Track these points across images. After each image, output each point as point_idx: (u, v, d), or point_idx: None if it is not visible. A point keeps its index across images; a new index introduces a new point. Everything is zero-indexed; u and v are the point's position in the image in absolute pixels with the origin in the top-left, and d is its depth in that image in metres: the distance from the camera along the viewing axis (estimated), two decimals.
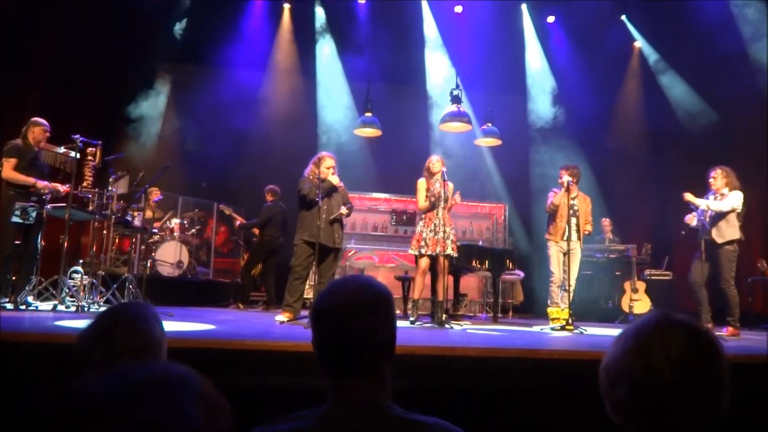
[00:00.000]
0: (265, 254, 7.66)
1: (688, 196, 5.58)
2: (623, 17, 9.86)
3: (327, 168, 5.32)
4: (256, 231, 7.94)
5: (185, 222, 8.40)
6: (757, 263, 7.91)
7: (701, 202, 5.50)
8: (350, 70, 9.70)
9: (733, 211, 5.50)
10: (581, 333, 5.29)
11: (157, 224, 7.57)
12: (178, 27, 9.09)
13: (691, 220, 5.69)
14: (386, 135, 8.46)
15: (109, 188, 5.55)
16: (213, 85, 8.75)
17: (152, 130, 8.65)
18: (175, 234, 7.98)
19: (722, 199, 5.54)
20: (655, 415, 1.09)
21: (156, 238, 7.57)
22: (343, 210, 5.33)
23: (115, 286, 5.47)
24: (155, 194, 7.46)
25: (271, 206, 7.54)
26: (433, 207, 5.61)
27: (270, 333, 3.94)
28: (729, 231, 5.50)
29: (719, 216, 5.51)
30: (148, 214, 6.80)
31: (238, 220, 8.46)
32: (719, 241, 5.48)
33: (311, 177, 5.29)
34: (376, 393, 1.24)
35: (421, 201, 5.70)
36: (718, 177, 5.63)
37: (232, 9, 9.12)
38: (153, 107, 8.85)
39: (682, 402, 1.07)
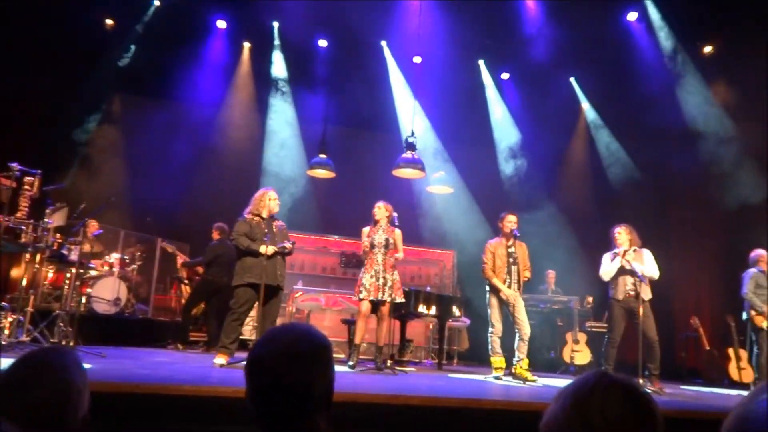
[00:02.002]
0: (207, 294, 7.43)
1: (628, 256, 5.72)
2: (572, 79, 10.37)
3: (273, 200, 5.30)
4: (200, 269, 7.72)
5: (126, 257, 8.11)
6: (690, 320, 8.20)
7: (637, 267, 5.67)
8: (307, 111, 9.77)
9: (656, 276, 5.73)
10: (535, 383, 5.36)
11: (95, 260, 7.27)
12: (127, 56, 8.96)
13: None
14: (340, 178, 8.49)
15: (45, 219, 5.31)
16: (164, 118, 8.62)
17: (97, 162, 8.40)
18: (115, 269, 7.67)
19: (636, 256, 5.73)
20: None
21: (93, 273, 7.26)
22: (287, 244, 5.24)
23: (44, 323, 5.17)
24: (93, 228, 7.18)
25: (217, 245, 7.37)
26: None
27: (208, 377, 3.79)
28: (647, 289, 5.71)
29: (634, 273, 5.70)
30: (86, 247, 6.52)
31: (180, 258, 8.23)
32: (645, 297, 5.66)
33: (251, 217, 5.22)
34: None
35: (362, 247, 5.83)
36: (622, 233, 5.85)
37: (189, 42, 9.08)
38: (99, 138, 8.63)
39: None
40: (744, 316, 6.39)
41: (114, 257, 7.77)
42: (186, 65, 9.00)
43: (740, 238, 7.43)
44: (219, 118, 9.63)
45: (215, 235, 7.50)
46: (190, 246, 8.84)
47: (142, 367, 4.21)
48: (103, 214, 6.81)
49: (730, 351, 7.44)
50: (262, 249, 5.05)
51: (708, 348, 7.93)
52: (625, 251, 5.75)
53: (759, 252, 6.44)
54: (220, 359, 4.85)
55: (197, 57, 9.25)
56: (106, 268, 7.61)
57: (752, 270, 6.39)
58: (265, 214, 5.24)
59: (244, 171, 9.32)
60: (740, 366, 7.29)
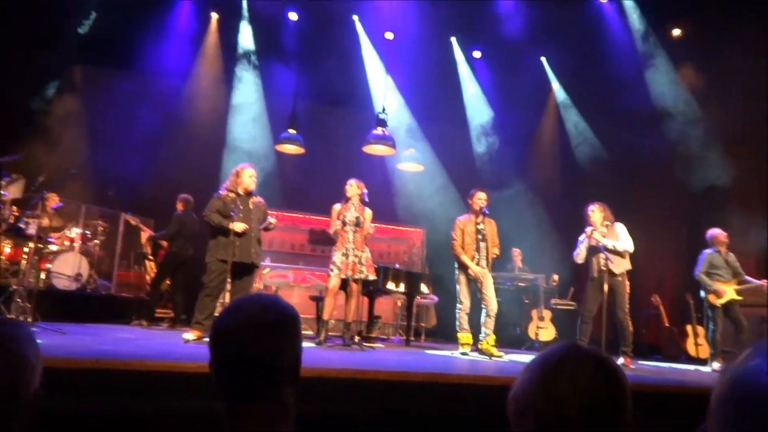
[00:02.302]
0: (173, 268, 7.30)
1: (595, 235, 5.82)
2: (543, 59, 10.39)
3: (249, 177, 5.21)
4: (164, 243, 7.56)
5: (88, 232, 7.88)
6: (651, 298, 8.41)
7: (608, 243, 5.76)
8: (276, 85, 9.57)
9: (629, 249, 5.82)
10: (501, 358, 5.44)
11: (55, 234, 7.05)
12: (87, 23, 8.59)
13: (590, 239, 5.90)
14: (309, 154, 8.38)
15: (0, 192, 5.10)
16: (127, 88, 8.35)
17: (57, 132, 8.10)
18: (76, 244, 7.46)
19: (608, 232, 5.84)
20: None
21: (53, 248, 7.04)
22: (271, 220, 5.23)
23: (1, 299, 5.00)
24: (53, 201, 6.94)
25: (182, 216, 7.21)
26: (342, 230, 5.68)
27: (172, 353, 3.72)
28: (622, 262, 5.81)
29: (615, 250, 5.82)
30: (45, 222, 6.30)
31: (145, 232, 8.05)
32: (616, 271, 5.77)
33: (226, 194, 5.13)
34: (278, 421, 1.15)
35: (331, 227, 5.80)
36: (595, 211, 5.95)
37: (154, 11, 8.77)
38: (59, 107, 8.31)
39: None
40: (702, 294, 6.58)
41: (75, 232, 7.55)
42: (151, 35, 8.70)
43: (703, 219, 7.63)
44: (185, 89, 9.38)
45: (179, 207, 7.35)
46: (155, 221, 8.64)
47: (103, 343, 4.12)
48: (63, 187, 6.59)
49: (689, 328, 7.67)
50: (235, 226, 4.97)
51: (668, 325, 8.17)
52: (592, 230, 5.84)
53: (713, 232, 6.58)
54: (191, 334, 4.80)
55: (163, 26, 8.95)
56: (67, 243, 7.39)
57: (707, 251, 6.56)
58: (240, 191, 5.16)
59: (210, 144, 9.12)
60: (697, 342, 7.52)
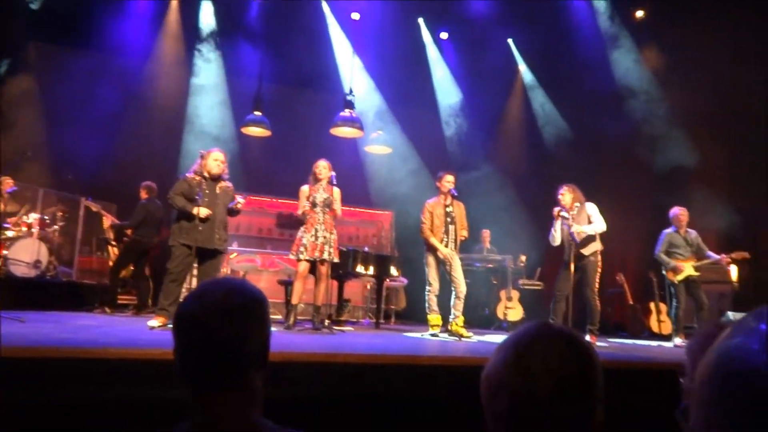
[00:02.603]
0: (136, 255, 7.14)
1: (574, 228, 5.88)
2: (510, 41, 10.40)
3: (215, 161, 5.08)
4: (129, 232, 7.38)
5: (46, 217, 7.63)
6: (616, 277, 8.60)
7: (575, 228, 5.84)
8: (241, 67, 9.36)
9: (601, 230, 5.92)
10: (470, 339, 5.49)
11: (10, 220, 6.80)
12: None
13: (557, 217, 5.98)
14: (276, 136, 8.25)
15: None
16: (86, 68, 8.05)
17: (11, 114, 7.78)
18: (34, 230, 7.22)
19: (578, 213, 5.93)
20: (534, 428, 1.08)
21: (10, 234, 6.80)
22: (240, 200, 5.12)
23: None
24: (8, 185, 6.70)
25: (146, 204, 7.04)
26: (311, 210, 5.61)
27: (137, 340, 3.63)
28: (593, 243, 5.91)
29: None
30: (0, 206, 6.07)
31: (107, 218, 7.83)
32: (585, 252, 5.87)
33: (192, 177, 5.01)
34: (245, 407, 1.12)
35: (300, 208, 5.71)
36: (566, 194, 6.02)
37: None
38: (13, 88, 7.96)
39: (560, 413, 1.07)
40: (664, 272, 6.75)
41: (33, 217, 7.30)
42: (108, 11, 8.39)
43: (666, 199, 7.80)
44: (146, 70, 9.09)
45: (143, 195, 7.17)
46: (117, 206, 8.41)
47: (64, 331, 3.99)
48: (19, 170, 6.34)
49: (652, 305, 7.87)
50: (195, 211, 4.85)
51: (632, 303, 8.37)
52: (559, 210, 5.91)
53: (674, 211, 6.73)
54: (156, 321, 4.70)
55: (121, 4, 8.64)
56: (24, 229, 7.15)
57: (667, 230, 6.72)
58: (207, 174, 5.04)
59: (172, 126, 8.89)
60: (660, 319, 7.73)
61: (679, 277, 6.48)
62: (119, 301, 7.35)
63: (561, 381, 1.09)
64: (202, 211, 4.86)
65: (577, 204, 5.96)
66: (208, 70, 9.47)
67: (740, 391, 0.37)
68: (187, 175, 5.10)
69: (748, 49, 7.57)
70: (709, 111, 7.93)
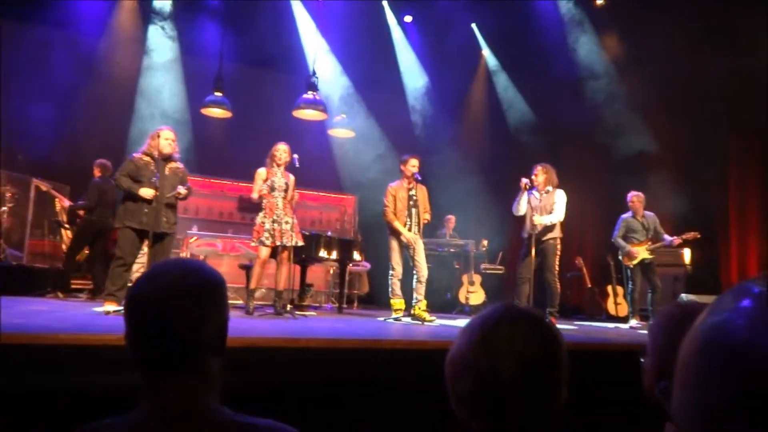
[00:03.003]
0: (91, 236, 6.91)
1: (535, 218, 5.94)
2: (473, 25, 10.40)
3: (166, 140, 4.91)
4: (82, 213, 7.13)
5: None
6: (575, 260, 8.78)
7: (536, 220, 5.92)
8: (200, 45, 9.09)
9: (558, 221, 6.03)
10: (433, 323, 5.52)
11: None
12: None
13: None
14: (237, 118, 8.07)
15: None
16: (37, 44, 7.71)
17: None
18: None
19: (547, 197, 6.03)
20: (499, 409, 1.07)
21: None
22: (181, 190, 4.89)
23: None
24: None
25: (100, 183, 6.80)
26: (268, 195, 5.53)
27: (90, 325, 3.51)
28: (551, 232, 6.04)
29: (544, 212, 6.00)
30: None
31: (60, 200, 7.54)
32: (544, 238, 5.97)
33: (140, 157, 4.84)
34: (201, 394, 1.07)
35: (255, 191, 5.58)
36: (539, 174, 6.12)
37: None
38: None
39: (525, 395, 1.07)
40: (620, 256, 6.92)
41: None
42: None
43: (624, 183, 7.98)
44: (100, 47, 8.73)
45: (96, 173, 6.93)
46: (70, 187, 8.10)
47: (14, 316, 3.82)
48: None
49: (609, 288, 8.07)
50: (142, 192, 4.69)
51: (590, 286, 8.57)
52: (526, 184, 5.99)
53: (630, 195, 6.87)
54: (108, 306, 4.55)
55: None
56: None
57: (624, 215, 6.88)
58: (156, 154, 4.87)
59: (128, 106, 8.59)
60: (617, 302, 7.94)
61: (634, 261, 6.65)
62: (73, 285, 7.12)
63: (526, 362, 1.09)
64: (147, 192, 4.69)
65: (549, 188, 6.05)
66: (166, 47, 9.17)
67: (728, 366, 0.36)
68: (134, 155, 4.92)
69: (706, 36, 7.74)
70: (667, 97, 8.11)
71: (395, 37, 10.31)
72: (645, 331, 5.15)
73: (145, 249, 5.02)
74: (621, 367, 3.20)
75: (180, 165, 5.07)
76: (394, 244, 5.97)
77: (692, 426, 0.38)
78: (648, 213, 6.85)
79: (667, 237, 6.69)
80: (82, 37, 8.43)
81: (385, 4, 10.08)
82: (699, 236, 6.58)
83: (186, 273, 1.09)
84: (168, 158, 4.92)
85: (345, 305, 7.35)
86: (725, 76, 7.59)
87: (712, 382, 0.37)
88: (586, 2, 9.26)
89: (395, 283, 5.93)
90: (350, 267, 7.71)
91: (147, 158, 4.85)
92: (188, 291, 1.07)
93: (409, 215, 5.96)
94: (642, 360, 1.39)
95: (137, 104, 8.72)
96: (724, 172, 7.91)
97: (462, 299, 8.49)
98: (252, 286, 5.56)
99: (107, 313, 4.45)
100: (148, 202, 4.71)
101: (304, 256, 6.50)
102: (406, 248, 5.95)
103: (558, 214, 6.01)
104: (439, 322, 5.80)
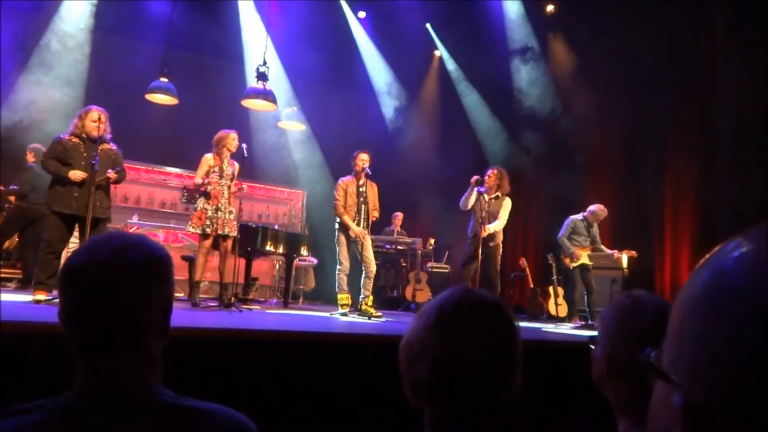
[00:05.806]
0: (22, 223, 6.55)
1: (488, 227, 6.05)
2: (428, 25, 10.45)
3: (92, 122, 4.61)
4: (12, 198, 6.75)
5: None
6: (519, 261, 8.96)
7: (490, 229, 6.05)
8: (147, 29, 8.75)
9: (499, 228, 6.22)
10: (379, 319, 5.52)
11: None
12: None
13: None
14: (184, 106, 7.81)
15: None
16: None
17: None
18: None
19: (496, 203, 6.16)
20: (454, 393, 1.05)
21: None
22: (111, 173, 4.64)
23: None
24: None
25: (34, 168, 6.47)
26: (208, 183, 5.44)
27: (21, 314, 3.31)
28: (494, 238, 6.21)
29: (491, 217, 6.12)
30: None
31: None
32: (491, 241, 6.11)
33: (68, 139, 4.59)
34: (142, 375, 1.00)
35: (198, 176, 5.47)
36: (492, 176, 6.24)
37: None
38: None
39: (481, 378, 1.05)
40: (562, 256, 7.10)
41: None
42: None
43: (565, 187, 8.22)
44: (39, 23, 8.29)
45: (30, 158, 6.58)
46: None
47: None
48: None
49: (550, 289, 8.27)
50: (71, 175, 4.44)
51: (532, 286, 8.76)
52: (477, 180, 6.06)
53: (593, 207, 6.91)
54: (38, 296, 4.31)
55: None
56: None
57: (574, 216, 7.04)
58: (85, 136, 4.63)
59: (69, 84, 8.18)
60: (557, 302, 8.14)
61: (574, 264, 6.83)
62: (2, 275, 6.74)
63: (484, 347, 1.07)
64: (76, 174, 4.45)
65: (498, 194, 6.16)
66: (112, 28, 8.76)
67: (735, 310, 0.34)
68: (62, 136, 4.63)
69: (654, 46, 8.04)
70: (613, 104, 8.38)
71: (351, 30, 10.27)
72: (583, 332, 5.29)
73: (77, 235, 4.78)
74: (564, 364, 3.28)
75: (113, 146, 4.79)
76: (342, 239, 5.94)
77: (695, 376, 0.37)
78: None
79: (605, 248, 6.90)
80: (22, 11, 7.97)
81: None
82: (635, 255, 6.82)
83: (127, 245, 1.01)
84: (98, 139, 4.64)
85: (291, 300, 7.25)
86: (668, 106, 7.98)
87: (719, 327, 0.35)
88: (536, 9, 9.47)
89: (342, 278, 5.90)
90: (297, 262, 7.61)
91: (75, 139, 4.59)
92: (130, 264, 0.99)
93: (359, 211, 5.95)
94: (592, 348, 1.40)
95: (78, 84, 8.29)
96: (661, 184, 8.25)
97: (408, 296, 8.53)
98: (197, 277, 5.41)
99: (37, 302, 4.21)
100: (78, 185, 4.47)
101: (249, 249, 6.37)
102: (354, 243, 5.92)
103: (502, 222, 6.24)
104: (385, 318, 5.79)
